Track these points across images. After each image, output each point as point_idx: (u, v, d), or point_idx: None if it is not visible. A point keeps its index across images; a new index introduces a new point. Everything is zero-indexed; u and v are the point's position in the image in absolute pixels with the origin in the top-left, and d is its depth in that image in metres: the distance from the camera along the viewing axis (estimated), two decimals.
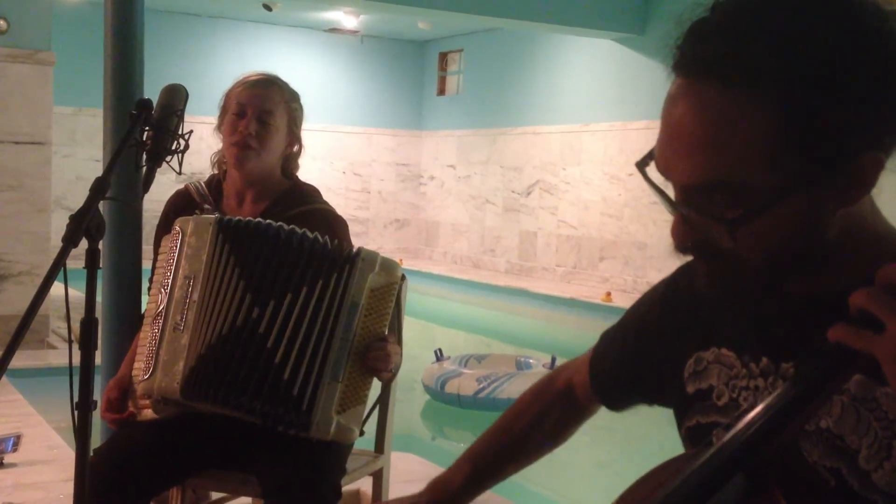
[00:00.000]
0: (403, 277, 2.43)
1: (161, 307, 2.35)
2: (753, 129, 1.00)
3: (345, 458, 2.50)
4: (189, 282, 2.34)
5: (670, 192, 1.09)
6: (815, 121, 0.99)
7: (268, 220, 2.38)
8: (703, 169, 1.03)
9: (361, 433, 2.38)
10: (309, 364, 2.26)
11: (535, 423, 1.53)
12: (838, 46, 0.99)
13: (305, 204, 2.63)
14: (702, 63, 1.02)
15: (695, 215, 1.06)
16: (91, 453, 1.99)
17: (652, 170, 1.09)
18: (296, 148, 2.72)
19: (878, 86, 1.00)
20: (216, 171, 2.74)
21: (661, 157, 1.07)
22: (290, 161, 2.73)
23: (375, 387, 2.47)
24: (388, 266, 2.37)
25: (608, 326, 1.49)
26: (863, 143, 1.01)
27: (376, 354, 2.31)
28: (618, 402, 1.47)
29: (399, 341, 2.48)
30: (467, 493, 1.51)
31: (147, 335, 2.38)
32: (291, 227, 2.36)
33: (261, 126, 2.59)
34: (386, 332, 2.36)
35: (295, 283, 2.30)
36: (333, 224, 2.60)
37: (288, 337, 2.27)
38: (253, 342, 2.28)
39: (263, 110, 2.59)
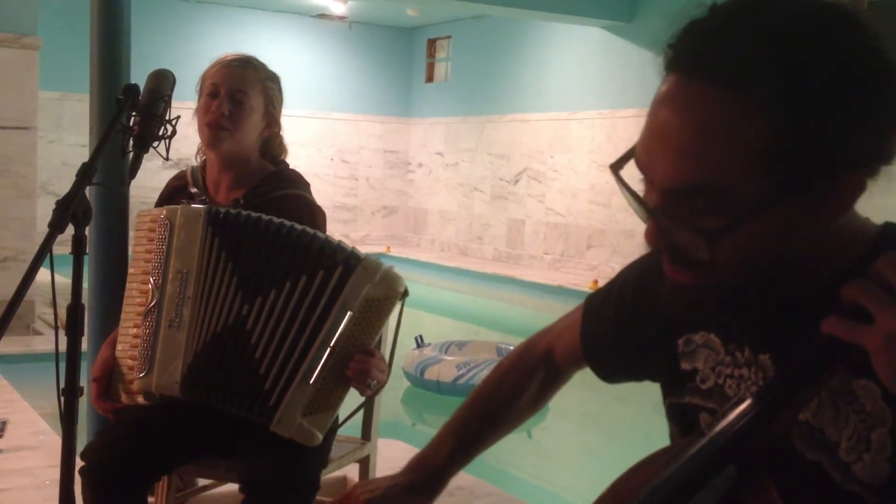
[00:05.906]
0: (405, 293, 2.30)
1: (153, 302, 2.31)
2: (744, 135, 0.98)
3: (327, 451, 2.47)
4: (181, 276, 2.29)
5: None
6: (807, 133, 0.97)
7: (260, 214, 2.31)
8: (687, 171, 1.00)
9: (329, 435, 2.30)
10: (284, 360, 2.21)
11: (516, 392, 1.52)
12: (837, 62, 0.97)
13: (283, 188, 2.54)
14: (698, 60, 1.00)
15: (672, 225, 1.04)
16: (78, 452, 1.97)
17: (627, 172, 1.07)
18: (275, 130, 2.63)
19: (872, 104, 0.99)
20: (201, 159, 2.66)
21: (643, 155, 1.05)
22: (269, 144, 2.64)
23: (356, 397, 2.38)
24: (390, 279, 2.25)
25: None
26: (849, 161, 1.00)
27: (357, 367, 2.21)
28: (611, 376, 1.46)
29: (390, 360, 2.37)
30: (452, 467, 1.50)
31: (134, 326, 2.33)
32: (282, 220, 2.29)
33: (234, 106, 2.50)
34: (373, 346, 2.25)
35: (281, 277, 2.24)
36: (313, 212, 2.51)
37: (269, 332, 2.23)
38: (241, 339, 2.24)
39: (237, 90, 2.51)
